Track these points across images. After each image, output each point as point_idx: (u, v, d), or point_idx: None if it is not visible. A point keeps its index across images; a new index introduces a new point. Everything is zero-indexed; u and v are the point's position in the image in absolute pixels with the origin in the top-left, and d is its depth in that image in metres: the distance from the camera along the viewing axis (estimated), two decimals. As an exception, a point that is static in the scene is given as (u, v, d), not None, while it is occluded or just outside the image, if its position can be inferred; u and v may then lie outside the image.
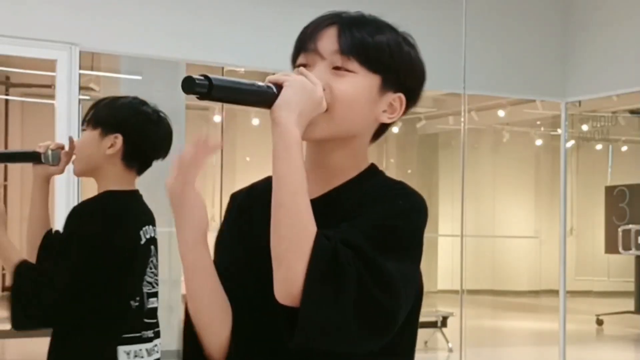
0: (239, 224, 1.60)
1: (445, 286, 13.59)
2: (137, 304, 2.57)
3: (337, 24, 1.51)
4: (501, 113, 12.85)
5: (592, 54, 6.68)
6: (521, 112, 12.37)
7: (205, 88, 1.32)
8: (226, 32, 5.79)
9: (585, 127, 12.51)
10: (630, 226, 10.10)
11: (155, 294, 2.67)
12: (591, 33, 6.71)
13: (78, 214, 2.58)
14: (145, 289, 2.61)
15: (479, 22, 6.51)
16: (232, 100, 1.38)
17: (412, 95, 1.58)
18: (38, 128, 10.85)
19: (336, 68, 1.48)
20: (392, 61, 1.52)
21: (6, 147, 12.65)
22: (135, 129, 2.61)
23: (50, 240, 2.67)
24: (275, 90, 1.38)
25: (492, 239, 15.06)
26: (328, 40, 1.50)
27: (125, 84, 6.75)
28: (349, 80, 1.48)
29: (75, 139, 2.74)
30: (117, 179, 2.61)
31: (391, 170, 14.60)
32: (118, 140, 2.58)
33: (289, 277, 1.33)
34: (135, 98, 2.71)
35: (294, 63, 1.54)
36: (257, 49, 5.84)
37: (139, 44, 5.55)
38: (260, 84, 1.39)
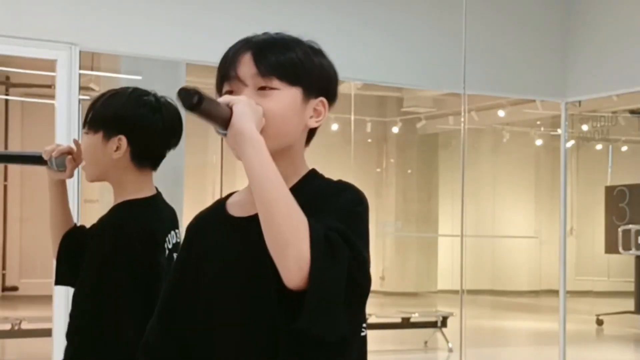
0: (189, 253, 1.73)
1: (445, 286, 13.59)
2: None
3: (250, 49, 1.64)
4: (501, 113, 12.85)
5: (592, 54, 6.68)
6: (521, 112, 12.37)
7: (197, 100, 1.46)
8: (226, 32, 5.79)
9: (585, 127, 12.51)
10: (630, 226, 10.10)
11: None
12: (591, 33, 6.71)
13: (97, 234, 2.46)
14: None
15: (479, 23, 6.51)
16: (208, 113, 1.50)
17: (331, 95, 1.72)
18: (38, 128, 10.85)
19: (261, 89, 1.61)
20: (306, 71, 1.65)
21: (6, 147, 12.64)
22: (138, 127, 2.44)
23: (74, 237, 2.58)
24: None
25: (492, 239, 15.06)
26: (246, 66, 1.63)
27: (125, 84, 6.71)
28: (274, 97, 1.61)
29: (80, 141, 2.57)
30: (133, 183, 2.46)
31: (391, 170, 14.60)
32: (122, 142, 2.43)
33: (300, 258, 1.44)
34: (134, 90, 2.52)
35: (220, 91, 1.67)
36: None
37: (139, 44, 5.55)
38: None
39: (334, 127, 12.26)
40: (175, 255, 2.44)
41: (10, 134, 12.79)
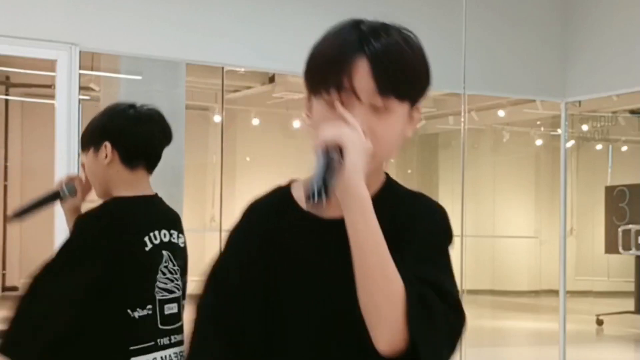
0: (271, 258, 1.55)
1: (445, 286, 13.56)
2: (146, 312, 2.54)
3: (365, 55, 1.46)
4: (501, 113, 12.84)
5: (592, 54, 6.68)
6: (521, 112, 12.36)
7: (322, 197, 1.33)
8: (226, 32, 5.79)
9: (585, 127, 12.50)
10: (630, 226, 10.10)
11: (174, 300, 2.63)
12: (591, 33, 6.71)
13: (77, 222, 2.62)
14: (159, 296, 2.58)
15: (479, 22, 6.51)
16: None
17: (424, 98, 1.60)
18: (38, 128, 10.85)
19: (375, 108, 1.46)
20: (420, 85, 1.55)
21: (6, 146, 12.65)
22: (116, 130, 2.63)
23: None
24: (336, 156, 1.37)
25: (492, 239, 15.05)
26: (362, 79, 1.44)
27: (125, 84, 6.74)
28: (389, 121, 1.47)
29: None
30: (126, 184, 2.63)
31: (391, 170, 14.52)
32: (108, 147, 2.61)
33: (394, 330, 1.37)
34: (112, 105, 2.75)
35: (315, 86, 1.49)
36: (257, 49, 5.84)
37: (139, 44, 5.55)
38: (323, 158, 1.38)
39: (334, 127, 12.25)
40: (165, 252, 2.59)
41: (10, 134, 12.78)
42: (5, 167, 12.68)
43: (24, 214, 2.77)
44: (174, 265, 2.64)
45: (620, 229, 10.18)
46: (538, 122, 13.71)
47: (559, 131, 7.13)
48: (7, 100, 12.66)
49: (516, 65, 6.75)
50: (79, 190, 2.76)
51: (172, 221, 2.69)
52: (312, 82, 1.50)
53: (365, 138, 1.42)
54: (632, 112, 12.39)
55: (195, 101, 9.86)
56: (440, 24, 6.43)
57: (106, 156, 2.61)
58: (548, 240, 13.14)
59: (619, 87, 6.62)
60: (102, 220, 2.55)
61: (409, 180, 14.64)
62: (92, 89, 7.85)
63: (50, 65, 5.32)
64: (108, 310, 2.48)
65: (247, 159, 12.29)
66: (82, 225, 2.58)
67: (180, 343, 2.63)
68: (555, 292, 7.28)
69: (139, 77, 6.62)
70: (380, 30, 1.54)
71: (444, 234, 1.53)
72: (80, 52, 5.25)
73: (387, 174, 1.61)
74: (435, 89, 9.59)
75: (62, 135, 5.06)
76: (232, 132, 12.05)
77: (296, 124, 12.64)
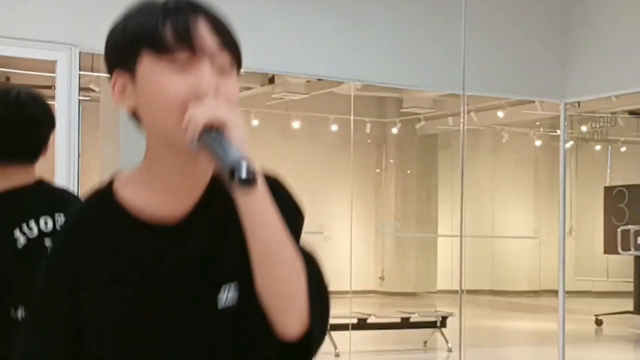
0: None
1: (444, 286, 13.58)
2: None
3: (201, 13, 1.32)
4: (500, 114, 12.85)
5: (592, 55, 6.69)
6: (520, 112, 12.37)
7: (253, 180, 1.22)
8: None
9: (584, 128, 12.51)
10: (629, 226, 10.12)
11: None
12: (590, 34, 6.72)
13: None
14: None
15: (478, 23, 6.52)
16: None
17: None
18: (38, 129, 10.84)
19: (220, 68, 1.32)
20: (240, 55, 1.36)
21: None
22: None
23: None
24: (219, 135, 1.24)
25: (492, 239, 15.06)
26: (206, 35, 1.30)
27: (125, 84, 6.75)
28: (232, 82, 1.34)
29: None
30: None
31: (391, 170, 14.60)
32: None
33: (303, 311, 1.30)
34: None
35: (136, 56, 1.32)
36: (257, 49, 5.85)
37: (139, 45, 5.55)
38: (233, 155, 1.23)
39: (334, 128, 12.27)
40: (47, 239, 2.38)
41: (10, 135, 12.78)
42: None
43: None
44: None
45: (619, 230, 10.20)
46: (537, 123, 13.73)
47: (558, 132, 7.14)
48: (6, 101, 12.66)
49: (515, 66, 6.76)
50: None
51: (49, 208, 2.42)
52: (131, 52, 1.33)
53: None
54: (631, 112, 12.41)
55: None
56: (439, 25, 6.44)
57: None
58: (547, 241, 13.16)
59: (618, 88, 6.63)
60: None
61: (408, 180, 14.65)
62: (92, 90, 7.86)
63: (50, 66, 5.33)
64: None
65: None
66: None
67: None
68: (554, 292, 7.29)
69: (139, 78, 6.63)
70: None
71: (300, 213, 1.43)
72: (80, 53, 5.25)
73: None
74: (435, 90, 9.58)
75: (62, 136, 5.06)
76: (232, 132, 12.02)
77: (296, 124, 12.66)
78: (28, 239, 2.36)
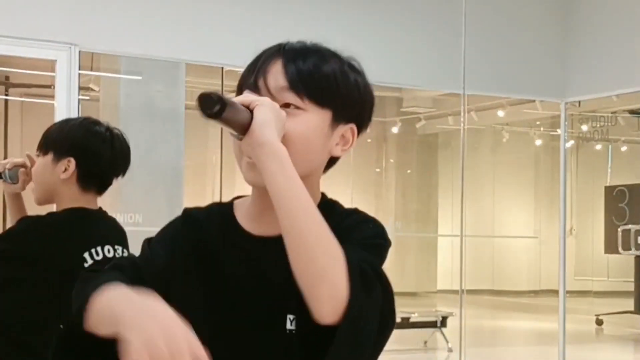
0: (197, 260, 1.49)
1: (444, 286, 13.59)
2: None
3: (280, 56, 1.44)
4: (501, 113, 12.85)
5: (592, 54, 6.69)
6: (521, 112, 12.36)
7: (218, 109, 1.28)
8: (226, 32, 5.79)
9: (584, 127, 12.49)
10: (629, 226, 10.11)
11: None
12: (591, 33, 6.71)
13: (23, 222, 2.58)
14: None
15: (479, 22, 6.52)
16: (227, 121, 1.31)
17: (364, 124, 1.56)
18: (38, 128, 10.83)
19: (285, 105, 1.41)
20: (341, 93, 1.46)
21: (5, 147, 12.65)
22: (88, 151, 2.55)
23: None
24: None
25: (492, 239, 15.06)
26: (274, 76, 1.43)
27: (125, 84, 6.75)
28: (300, 119, 1.41)
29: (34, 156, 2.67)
30: (74, 201, 2.55)
31: (391, 170, 14.60)
32: (71, 163, 2.53)
33: (336, 292, 1.28)
34: (86, 118, 2.65)
35: (241, 85, 1.48)
36: (257, 49, 5.84)
37: (139, 44, 5.56)
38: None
39: (334, 127, 12.25)
40: None
41: (10, 134, 12.78)
42: (5, 167, 12.66)
43: None
44: None
45: (619, 229, 10.19)
46: (538, 122, 13.72)
47: (559, 131, 7.14)
48: (6, 101, 12.67)
49: (516, 65, 6.75)
50: (21, 180, 2.70)
51: (116, 236, 2.61)
52: (238, 90, 1.48)
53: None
54: (632, 112, 12.39)
55: (195, 101, 9.84)
56: (440, 24, 6.44)
57: (65, 170, 2.53)
58: (548, 240, 13.15)
59: (619, 88, 6.63)
60: (38, 230, 2.49)
61: (408, 180, 14.64)
62: (92, 89, 7.85)
63: (50, 65, 5.33)
64: (39, 318, 2.45)
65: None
66: (27, 227, 2.52)
67: None
68: (554, 292, 7.29)
69: (139, 78, 6.63)
70: (308, 44, 1.49)
71: (380, 238, 1.45)
72: (79, 52, 5.26)
73: (323, 194, 1.55)
74: (435, 89, 9.60)
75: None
76: (232, 132, 12.02)
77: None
78: (94, 262, 2.49)
